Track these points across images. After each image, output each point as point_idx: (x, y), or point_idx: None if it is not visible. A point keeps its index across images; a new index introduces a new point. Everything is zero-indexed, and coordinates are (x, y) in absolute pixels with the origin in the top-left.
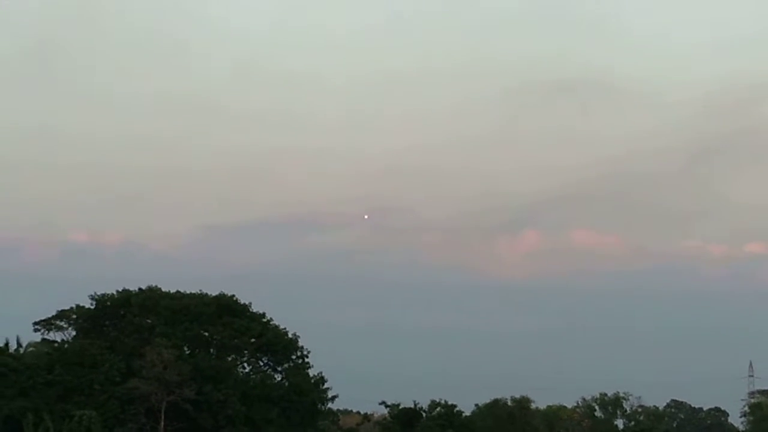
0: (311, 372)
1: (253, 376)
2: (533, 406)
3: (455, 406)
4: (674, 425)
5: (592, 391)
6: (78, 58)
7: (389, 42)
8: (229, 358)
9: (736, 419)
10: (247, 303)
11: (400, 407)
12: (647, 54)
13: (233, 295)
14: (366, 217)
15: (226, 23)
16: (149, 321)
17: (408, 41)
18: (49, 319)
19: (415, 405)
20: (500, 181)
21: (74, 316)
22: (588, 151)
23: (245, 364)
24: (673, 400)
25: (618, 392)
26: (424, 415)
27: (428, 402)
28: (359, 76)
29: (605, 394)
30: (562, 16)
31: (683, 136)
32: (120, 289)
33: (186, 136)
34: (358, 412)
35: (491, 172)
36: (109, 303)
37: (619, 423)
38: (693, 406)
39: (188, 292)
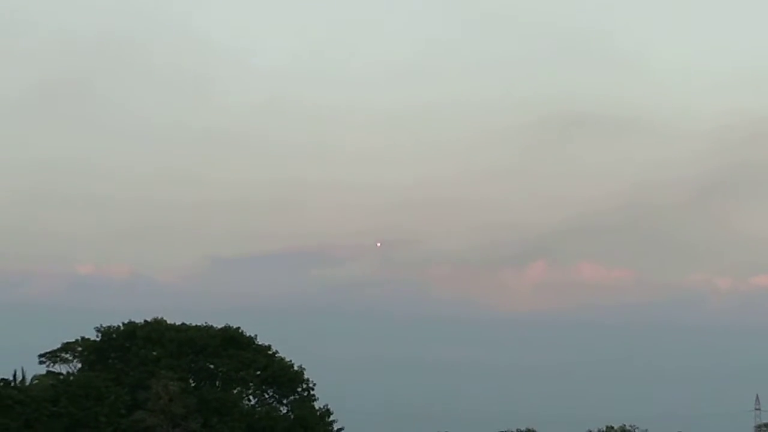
0: (317, 405)
1: (259, 409)
2: None
3: None
4: None
5: (598, 425)
6: (98, 92)
7: (405, 77)
8: (235, 391)
9: None
10: (252, 335)
11: None
12: (658, 87)
13: (238, 328)
14: (378, 245)
15: (249, 58)
16: (155, 353)
17: (423, 77)
18: (55, 351)
19: None
20: (511, 214)
21: (79, 349)
22: (597, 184)
23: (251, 397)
24: None
25: (624, 425)
26: None
27: None
28: (371, 110)
29: (612, 427)
30: (575, 51)
31: (692, 168)
32: (125, 321)
33: (198, 169)
34: None
35: (502, 205)
36: (114, 335)
37: None
38: None
39: (193, 324)
